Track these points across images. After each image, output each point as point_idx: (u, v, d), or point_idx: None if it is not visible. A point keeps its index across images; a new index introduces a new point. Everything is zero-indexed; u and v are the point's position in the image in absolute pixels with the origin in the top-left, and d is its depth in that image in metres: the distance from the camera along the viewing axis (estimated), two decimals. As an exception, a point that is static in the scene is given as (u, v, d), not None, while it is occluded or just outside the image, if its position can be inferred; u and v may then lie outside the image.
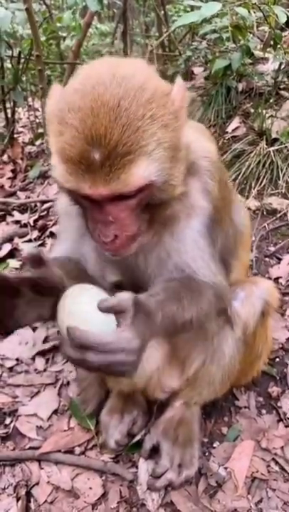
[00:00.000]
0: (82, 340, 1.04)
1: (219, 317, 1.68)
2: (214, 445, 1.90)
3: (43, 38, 5.55)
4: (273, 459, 1.84)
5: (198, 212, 1.41)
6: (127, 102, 1.09)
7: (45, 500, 1.75)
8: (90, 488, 1.78)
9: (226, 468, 1.81)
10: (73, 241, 1.55)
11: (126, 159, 1.09)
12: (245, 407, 2.03)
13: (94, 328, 1.08)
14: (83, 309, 1.14)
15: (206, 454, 1.88)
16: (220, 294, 1.49)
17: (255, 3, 2.97)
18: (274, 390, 2.07)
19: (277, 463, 1.83)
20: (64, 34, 6.10)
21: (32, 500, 1.76)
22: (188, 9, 4.99)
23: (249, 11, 3.04)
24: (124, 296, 1.11)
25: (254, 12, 3.25)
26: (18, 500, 1.74)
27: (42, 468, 1.86)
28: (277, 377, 2.13)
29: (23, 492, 1.77)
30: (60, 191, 1.42)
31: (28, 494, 1.77)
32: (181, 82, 1.23)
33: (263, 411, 2.02)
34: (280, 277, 2.61)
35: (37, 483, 1.81)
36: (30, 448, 1.93)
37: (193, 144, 1.38)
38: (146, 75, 1.20)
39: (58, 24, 5.30)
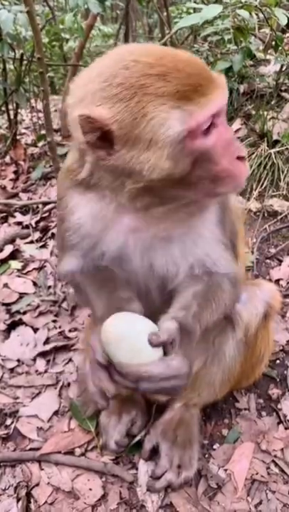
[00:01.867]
0: (136, 375, 1.17)
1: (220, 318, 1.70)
2: (214, 447, 1.91)
3: (45, 40, 5.57)
4: (273, 461, 1.84)
5: (210, 204, 1.43)
6: (195, 60, 1.20)
7: (46, 501, 1.75)
8: (90, 489, 1.78)
9: (225, 470, 1.81)
10: (84, 254, 1.50)
11: (212, 76, 1.18)
12: (245, 409, 2.03)
13: (144, 357, 1.18)
14: (131, 341, 1.19)
15: (206, 455, 1.88)
16: (235, 282, 1.54)
17: (256, 6, 2.96)
18: (274, 392, 2.08)
19: (277, 465, 1.83)
20: (67, 36, 6.12)
21: (32, 501, 1.77)
22: (191, 11, 5.00)
23: (251, 13, 3.04)
24: (171, 327, 1.22)
25: (256, 14, 3.26)
26: (18, 500, 1.75)
27: (42, 469, 1.86)
28: (278, 380, 2.14)
29: (23, 493, 1.77)
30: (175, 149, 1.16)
31: (29, 495, 1.78)
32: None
33: (263, 413, 2.02)
34: (281, 279, 2.61)
35: (37, 484, 1.81)
36: (31, 449, 1.94)
37: None
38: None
39: (61, 26, 5.32)
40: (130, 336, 1.20)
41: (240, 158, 1.22)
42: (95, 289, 1.48)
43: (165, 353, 1.21)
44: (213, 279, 1.49)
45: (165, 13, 5.51)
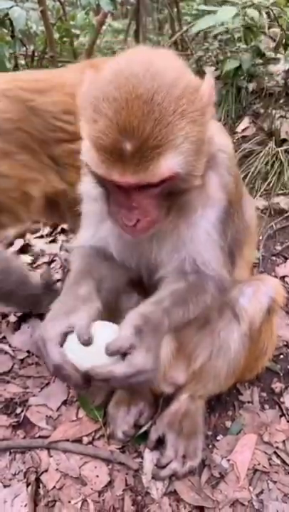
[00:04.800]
0: (103, 377, 1.25)
1: (225, 312, 1.76)
2: (218, 438, 1.96)
3: (56, 36, 5.60)
4: (275, 452, 1.89)
5: (214, 203, 1.46)
6: (160, 96, 1.14)
7: (54, 487, 1.81)
8: (97, 476, 1.84)
9: (228, 460, 1.86)
10: (96, 226, 1.63)
11: (155, 152, 1.14)
12: (248, 402, 2.08)
13: (105, 359, 1.26)
14: (94, 347, 1.28)
15: (210, 446, 1.93)
16: (222, 287, 1.56)
17: (268, 7, 2.99)
18: (277, 385, 2.12)
19: (278, 456, 1.88)
20: (77, 32, 6.16)
21: (41, 486, 1.83)
22: (204, 12, 5.01)
23: (260, 13, 3.06)
24: (124, 334, 1.28)
25: (266, 13, 3.28)
26: (28, 485, 1.82)
27: (51, 456, 1.92)
28: (281, 374, 2.18)
29: (32, 478, 1.84)
30: (86, 174, 1.48)
31: (38, 480, 1.84)
32: (211, 78, 1.27)
33: (266, 406, 2.07)
34: (287, 276, 2.65)
35: (46, 470, 1.87)
36: (40, 437, 2.00)
37: (215, 138, 1.42)
38: (178, 69, 1.26)
39: (72, 22, 5.35)
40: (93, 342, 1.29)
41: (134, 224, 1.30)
42: (74, 276, 1.57)
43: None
44: (198, 278, 1.52)
45: (175, 9, 5.53)
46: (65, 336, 1.33)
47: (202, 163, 1.29)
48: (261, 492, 1.77)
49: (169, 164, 1.17)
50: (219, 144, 1.46)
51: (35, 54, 4.78)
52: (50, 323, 1.36)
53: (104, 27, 6.73)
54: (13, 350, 2.42)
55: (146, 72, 1.17)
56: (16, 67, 4.73)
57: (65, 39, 5.86)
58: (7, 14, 3.82)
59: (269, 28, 3.52)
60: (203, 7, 3.25)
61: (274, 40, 3.88)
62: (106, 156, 1.18)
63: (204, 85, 1.25)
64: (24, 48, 4.86)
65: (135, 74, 1.16)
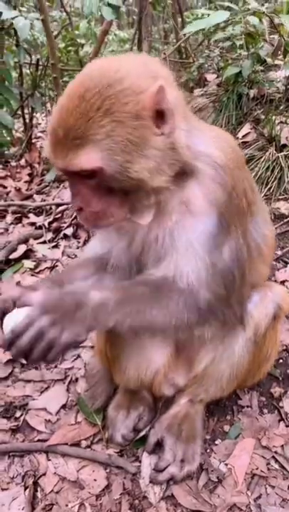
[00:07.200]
0: (8, 337, 1.28)
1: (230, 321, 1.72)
2: (216, 442, 1.95)
3: (62, 45, 5.69)
4: (273, 457, 1.88)
5: (197, 214, 1.42)
6: (91, 94, 1.23)
7: (52, 490, 1.82)
8: (95, 479, 1.84)
9: (226, 464, 1.86)
10: (101, 238, 1.70)
11: (75, 142, 1.24)
12: (247, 406, 2.07)
13: None
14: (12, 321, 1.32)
15: (208, 450, 1.93)
16: (193, 305, 1.45)
17: (264, 13, 3.01)
18: (276, 390, 2.12)
19: (277, 461, 1.87)
20: (82, 41, 6.24)
21: (39, 489, 1.83)
22: (206, 16, 5.07)
23: (261, 20, 3.09)
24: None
25: (267, 20, 3.31)
26: (25, 489, 1.82)
27: (49, 460, 1.93)
28: (280, 378, 2.18)
29: (30, 482, 1.84)
30: None
31: (36, 484, 1.85)
32: (162, 85, 1.24)
33: (265, 410, 2.06)
34: (287, 281, 2.65)
35: (44, 474, 1.88)
36: (39, 440, 2.01)
37: (196, 148, 1.40)
38: (132, 72, 1.28)
39: (76, 32, 5.42)
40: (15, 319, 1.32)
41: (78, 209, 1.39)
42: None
43: None
44: (165, 287, 1.45)
45: (180, 19, 5.59)
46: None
47: (150, 166, 1.29)
48: (259, 497, 1.76)
49: (88, 157, 1.24)
50: (201, 153, 1.42)
51: (40, 63, 4.85)
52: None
53: (109, 36, 6.81)
54: (14, 355, 2.43)
55: (97, 72, 1.29)
56: (21, 76, 4.80)
57: (70, 48, 5.95)
58: (12, 24, 3.90)
59: (270, 34, 3.55)
60: (201, 10, 3.27)
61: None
62: (48, 142, 1.32)
63: (149, 91, 1.24)
64: (29, 57, 4.93)
65: (89, 73, 1.31)
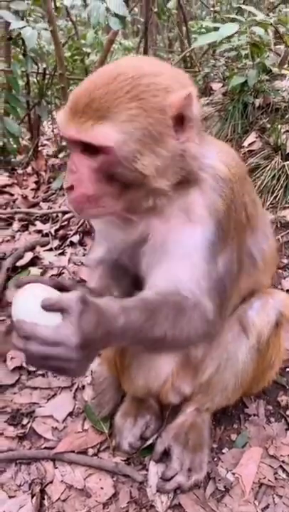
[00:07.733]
0: (25, 331, 1.13)
1: (233, 324, 1.76)
2: (223, 451, 1.95)
3: (68, 54, 5.74)
4: (281, 466, 1.87)
5: (197, 221, 1.42)
6: (123, 77, 1.25)
7: (59, 498, 1.81)
8: (102, 488, 1.84)
9: (233, 473, 1.85)
10: (105, 238, 1.68)
11: (97, 113, 1.23)
12: (254, 415, 2.07)
13: (39, 320, 1.15)
14: (31, 307, 1.18)
15: (215, 459, 1.92)
16: (204, 318, 1.45)
17: (271, 24, 3.04)
18: (283, 399, 2.11)
19: (284, 470, 1.86)
20: (88, 50, 6.30)
21: (46, 497, 1.83)
22: (207, 27, 5.11)
23: (266, 31, 3.12)
24: (69, 295, 1.19)
25: (272, 30, 3.34)
26: (32, 497, 1.82)
27: (56, 468, 1.93)
28: (287, 387, 2.17)
29: (37, 489, 1.84)
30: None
31: (42, 492, 1.85)
32: (191, 93, 1.27)
33: (272, 419, 2.06)
34: (293, 289, 2.65)
35: (51, 482, 1.88)
36: (46, 448, 2.01)
37: (202, 160, 1.42)
38: (166, 73, 1.33)
39: (83, 41, 5.48)
40: (31, 300, 1.19)
41: (69, 187, 1.34)
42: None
43: None
44: (176, 298, 1.42)
45: (184, 28, 5.64)
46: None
47: (159, 165, 1.29)
48: (267, 507, 1.75)
49: (104, 132, 1.23)
50: (206, 164, 1.44)
51: (47, 72, 4.90)
52: None
53: (115, 45, 6.87)
54: (22, 362, 2.44)
55: (130, 63, 1.36)
56: (28, 85, 4.85)
57: (76, 57, 6.01)
58: (19, 34, 3.94)
59: (275, 44, 3.57)
60: (207, 23, 3.31)
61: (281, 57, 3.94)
62: (66, 110, 1.30)
63: (178, 94, 1.27)
64: (36, 66, 4.99)
65: (121, 63, 1.37)
